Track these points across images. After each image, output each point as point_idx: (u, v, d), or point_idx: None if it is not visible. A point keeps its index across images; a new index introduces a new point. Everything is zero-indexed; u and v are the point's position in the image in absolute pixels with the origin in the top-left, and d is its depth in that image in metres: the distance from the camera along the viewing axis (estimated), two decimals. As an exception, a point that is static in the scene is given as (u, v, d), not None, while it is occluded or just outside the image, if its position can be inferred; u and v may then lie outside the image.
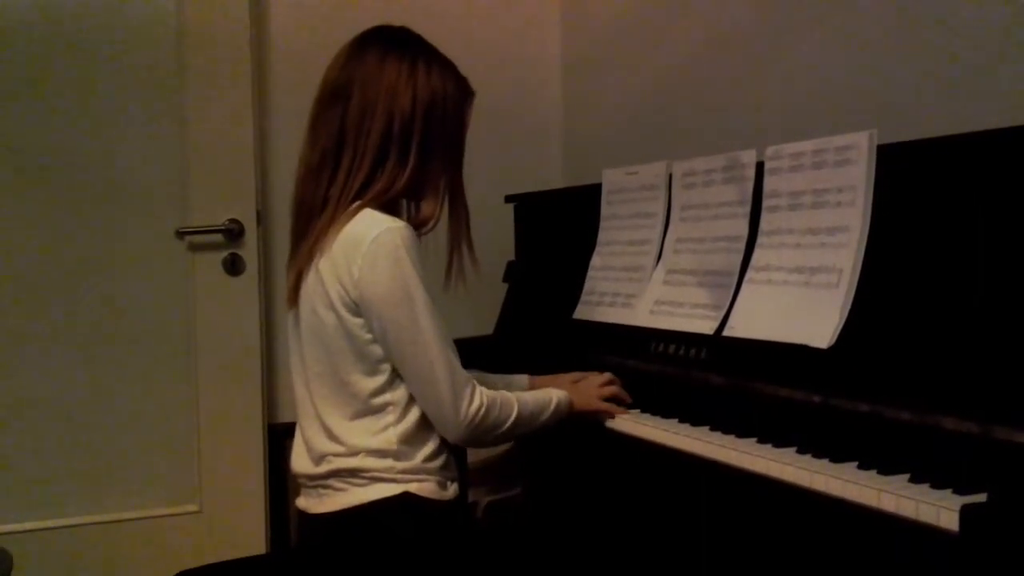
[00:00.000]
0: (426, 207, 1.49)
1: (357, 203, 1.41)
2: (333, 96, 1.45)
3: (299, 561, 1.48)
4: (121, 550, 2.28)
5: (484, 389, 1.42)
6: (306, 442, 1.47)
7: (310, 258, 1.41)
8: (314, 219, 1.43)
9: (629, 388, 1.59)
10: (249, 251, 2.36)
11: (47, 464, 2.24)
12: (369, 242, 1.35)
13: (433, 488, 1.41)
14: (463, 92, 1.52)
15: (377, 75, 1.44)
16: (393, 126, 1.42)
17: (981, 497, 0.97)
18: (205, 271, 2.34)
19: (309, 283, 1.42)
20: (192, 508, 2.35)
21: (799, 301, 1.41)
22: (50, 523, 2.24)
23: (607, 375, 1.61)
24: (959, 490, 0.99)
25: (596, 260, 1.95)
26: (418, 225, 1.46)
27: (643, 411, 1.53)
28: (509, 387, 1.58)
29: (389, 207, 1.45)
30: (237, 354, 2.35)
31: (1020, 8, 1.49)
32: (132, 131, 2.29)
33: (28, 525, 2.22)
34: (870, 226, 1.35)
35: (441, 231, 1.51)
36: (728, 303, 1.55)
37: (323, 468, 1.42)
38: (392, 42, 1.48)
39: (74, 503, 2.26)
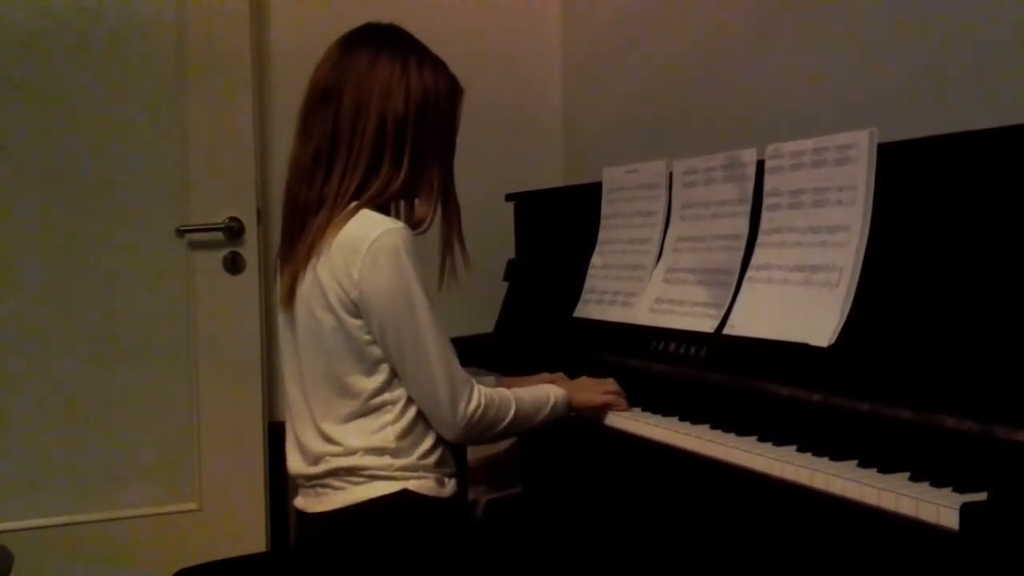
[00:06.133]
0: (420, 207, 1.49)
1: (354, 203, 1.41)
2: (324, 96, 1.45)
3: (299, 559, 1.48)
4: (121, 548, 2.28)
5: (482, 388, 1.42)
6: (300, 444, 1.47)
7: (307, 259, 1.41)
8: (308, 220, 1.43)
9: (629, 386, 1.59)
10: (249, 249, 2.36)
11: (47, 462, 2.24)
12: (369, 243, 1.35)
13: (431, 485, 1.41)
14: (454, 90, 1.51)
15: (369, 74, 1.43)
16: (387, 125, 1.42)
17: (981, 496, 0.97)
18: (205, 269, 2.34)
19: (306, 285, 1.42)
20: (192, 506, 2.35)
21: (799, 300, 1.41)
22: (51, 521, 2.24)
23: (609, 380, 1.60)
24: (959, 489, 0.99)
25: (596, 259, 1.95)
26: (413, 226, 1.46)
27: (643, 409, 1.53)
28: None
29: (382, 208, 1.45)
30: (237, 352, 2.35)
31: (1021, 7, 1.49)
32: (132, 129, 2.29)
33: (29, 523, 2.22)
34: (871, 225, 1.35)
35: (433, 230, 1.51)
36: (728, 301, 1.55)
37: (321, 468, 1.42)
38: (383, 40, 1.47)
39: (75, 501, 2.26)
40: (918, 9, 1.67)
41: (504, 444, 2.37)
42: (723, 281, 1.58)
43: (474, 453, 2.27)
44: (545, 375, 1.64)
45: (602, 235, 1.96)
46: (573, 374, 1.65)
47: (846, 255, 1.36)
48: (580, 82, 2.79)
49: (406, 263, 1.36)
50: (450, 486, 1.45)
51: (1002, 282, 1.14)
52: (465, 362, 1.44)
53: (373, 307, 1.36)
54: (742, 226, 1.58)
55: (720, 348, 1.53)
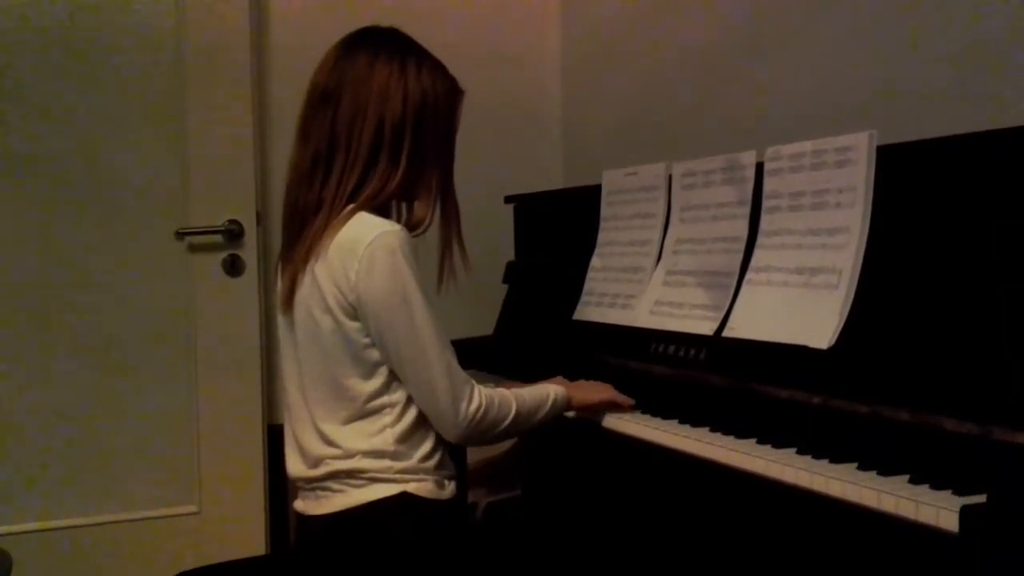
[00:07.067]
0: (419, 208, 1.49)
1: (351, 206, 1.41)
2: (323, 99, 1.45)
3: (299, 562, 1.48)
4: (121, 551, 2.28)
5: (482, 388, 1.42)
6: (300, 446, 1.47)
7: (305, 262, 1.41)
8: (307, 222, 1.43)
9: (629, 389, 1.59)
10: (249, 252, 2.36)
11: (46, 465, 2.24)
12: (365, 246, 1.35)
13: (431, 487, 1.41)
14: (453, 91, 1.51)
15: (367, 77, 1.43)
16: (384, 127, 1.42)
17: (981, 498, 0.97)
18: (205, 272, 2.34)
19: (304, 287, 1.42)
20: (192, 509, 2.35)
21: (799, 302, 1.41)
22: (49, 524, 2.24)
23: (606, 386, 1.59)
24: (959, 491, 0.99)
25: (596, 261, 1.95)
26: (412, 227, 1.46)
27: (643, 412, 1.53)
28: None
29: (381, 210, 1.45)
30: (237, 355, 2.35)
31: (1020, 8, 1.49)
32: (132, 132, 2.29)
33: (27, 526, 2.22)
34: (870, 226, 1.35)
35: (432, 232, 1.51)
36: (728, 304, 1.55)
37: (320, 471, 1.42)
38: (381, 43, 1.47)
39: (73, 504, 2.26)
40: (917, 11, 1.67)
41: (504, 446, 2.36)
42: (723, 283, 1.58)
43: (474, 455, 2.27)
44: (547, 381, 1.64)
45: (602, 237, 1.96)
46: (572, 377, 1.65)
47: (845, 257, 1.36)
48: (580, 84, 2.79)
49: (403, 265, 1.36)
50: (450, 488, 1.45)
51: (1001, 284, 1.14)
52: (465, 364, 1.44)
53: (370, 309, 1.36)
54: (741, 228, 1.58)
55: (720, 350, 1.53)
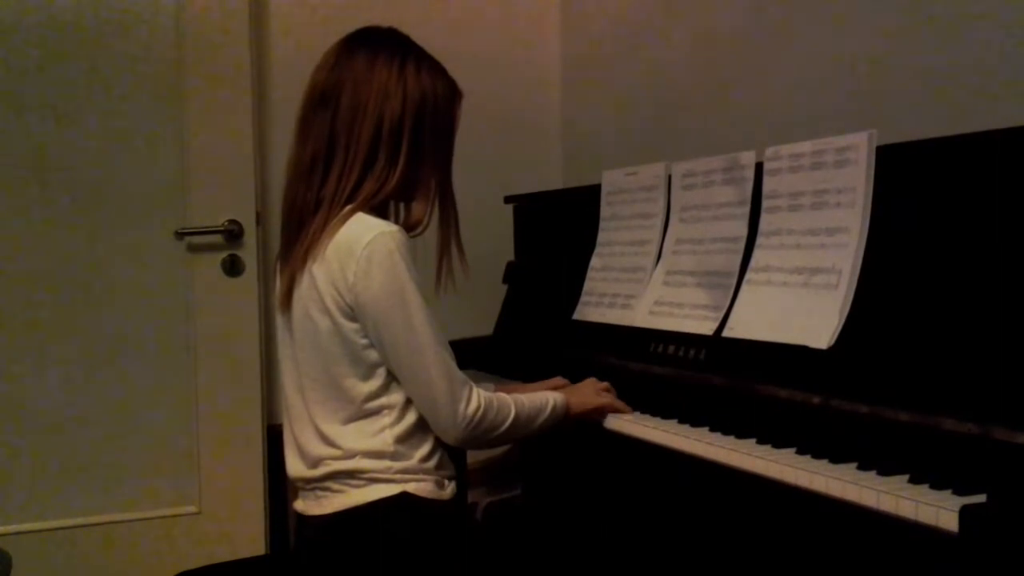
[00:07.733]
0: (417, 209, 1.49)
1: (349, 207, 1.40)
2: (323, 98, 1.45)
3: (298, 562, 1.48)
4: (121, 551, 2.28)
5: (481, 391, 1.41)
6: (299, 446, 1.47)
7: (303, 262, 1.41)
8: (306, 222, 1.43)
9: (629, 389, 1.59)
10: (248, 252, 2.36)
11: (46, 465, 2.24)
12: (363, 247, 1.35)
13: (431, 488, 1.41)
14: (452, 93, 1.51)
15: (367, 76, 1.43)
16: (383, 127, 1.42)
17: (980, 498, 0.97)
18: (204, 272, 2.34)
19: (303, 287, 1.42)
20: (192, 509, 2.35)
21: (798, 302, 1.41)
22: (49, 524, 2.24)
23: (604, 383, 1.59)
24: (958, 491, 0.99)
25: (596, 261, 1.95)
26: (410, 228, 1.46)
27: (642, 412, 1.53)
28: None
29: (379, 210, 1.44)
30: (237, 355, 2.35)
31: (1020, 8, 1.49)
32: (132, 132, 2.29)
33: (27, 526, 2.22)
34: (870, 227, 1.35)
35: (431, 233, 1.51)
36: (727, 304, 1.55)
37: (320, 471, 1.42)
38: (381, 43, 1.47)
39: (73, 504, 2.26)
40: (918, 10, 1.67)
41: (503, 447, 2.36)
42: (722, 283, 1.58)
43: (473, 456, 2.27)
44: (547, 382, 1.64)
45: (601, 237, 1.96)
46: (572, 377, 1.65)
47: (845, 257, 1.36)
48: (579, 84, 2.79)
49: (400, 265, 1.35)
50: (450, 489, 1.45)
51: (1001, 283, 1.14)
52: (464, 365, 1.44)
53: (368, 310, 1.36)
54: (741, 228, 1.59)
55: (719, 350, 1.53)
